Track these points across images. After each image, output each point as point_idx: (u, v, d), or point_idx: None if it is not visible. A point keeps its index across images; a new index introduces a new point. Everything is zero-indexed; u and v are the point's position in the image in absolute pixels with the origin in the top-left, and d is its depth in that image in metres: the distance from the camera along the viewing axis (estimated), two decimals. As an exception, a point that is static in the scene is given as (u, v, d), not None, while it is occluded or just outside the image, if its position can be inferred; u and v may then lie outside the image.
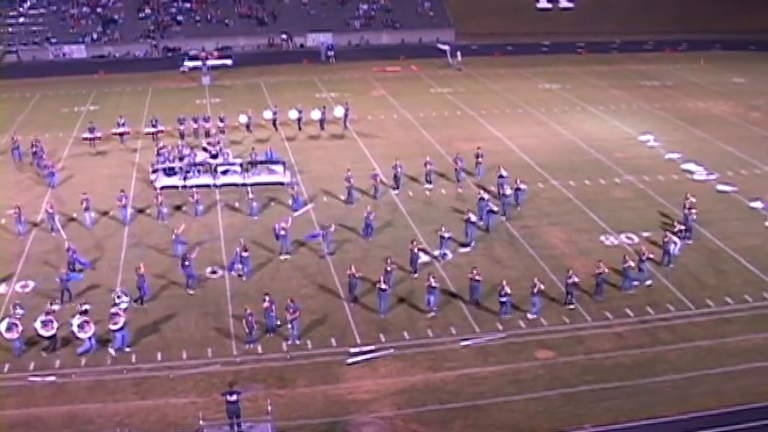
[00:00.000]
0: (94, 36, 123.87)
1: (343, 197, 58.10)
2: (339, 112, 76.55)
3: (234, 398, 33.50)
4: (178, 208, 56.77)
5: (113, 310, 40.91)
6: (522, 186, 56.16)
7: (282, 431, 33.88)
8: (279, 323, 41.25)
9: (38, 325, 39.94)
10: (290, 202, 56.55)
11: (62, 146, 71.52)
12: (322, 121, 75.43)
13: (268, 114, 76.19)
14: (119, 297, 43.83)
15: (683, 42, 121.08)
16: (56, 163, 65.91)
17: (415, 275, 47.22)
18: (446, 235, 49.58)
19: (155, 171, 62.74)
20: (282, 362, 39.24)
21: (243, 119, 74.41)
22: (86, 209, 54.48)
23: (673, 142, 70.86)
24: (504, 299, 42.61)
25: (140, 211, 56.42)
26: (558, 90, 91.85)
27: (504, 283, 42.90)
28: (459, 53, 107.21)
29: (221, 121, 73.33)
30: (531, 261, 48.27)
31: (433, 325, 41.99)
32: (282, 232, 49.67)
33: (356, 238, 52.03)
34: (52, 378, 38.26)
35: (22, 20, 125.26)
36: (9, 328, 39.69)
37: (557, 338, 40.66)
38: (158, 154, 64.41)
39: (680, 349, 39.83)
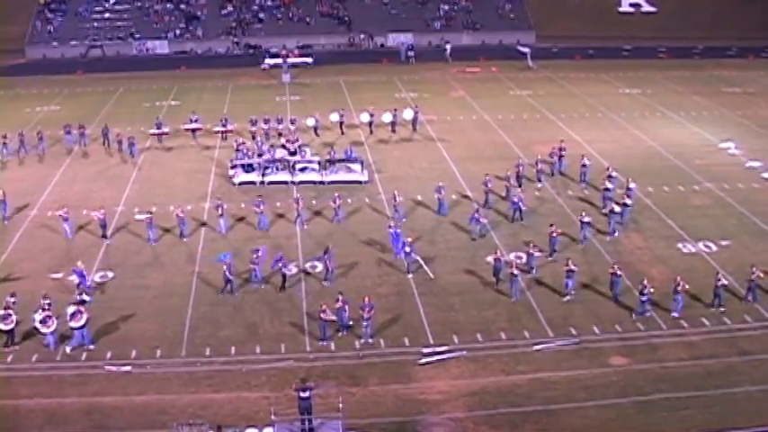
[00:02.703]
0: (177, 32, 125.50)
1: (420, 197, 58.28)
2: (409, 114, 76.11)
3: (306, 394, 33.69)
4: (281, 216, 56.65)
5: (74, 308, 40.97)
6: (628, 202, 55.47)
7: (353, 429, 34.06)
8: (351, 323, 41.52)
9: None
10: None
11: (143, 140, 72.60)
12: (393, 124, 75.05)
13: (335, 117, 75.61)
14: (85, 294, 44.31)
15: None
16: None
17: (550, 258, 48.97)
18: (586, 219, 51.32)
19: (233, 167, 63.43)
20: (355, 360, 39.48)
21: (311, 122, 74.25)
22: (65, 219, 53.54)
23: (754, 150, 69.76)
24: (644, 298, 42.67)
25: (240, 219, 56.11)
26: (638, 95, 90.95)
27: (646, 281, 43.10)
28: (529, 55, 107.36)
29: (292, 123, 73.22)
30: (604, 267, 47.82)
31: (506, 328, 41.94)
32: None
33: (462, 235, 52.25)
34: (128, 368, 38.94)
35: (107, 15, 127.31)
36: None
37: (631, 345, 40.33)
38: (237, 150, 65.13)
39: (756, 360, 39.18)
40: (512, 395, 36.57)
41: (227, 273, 45.53)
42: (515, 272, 44.95)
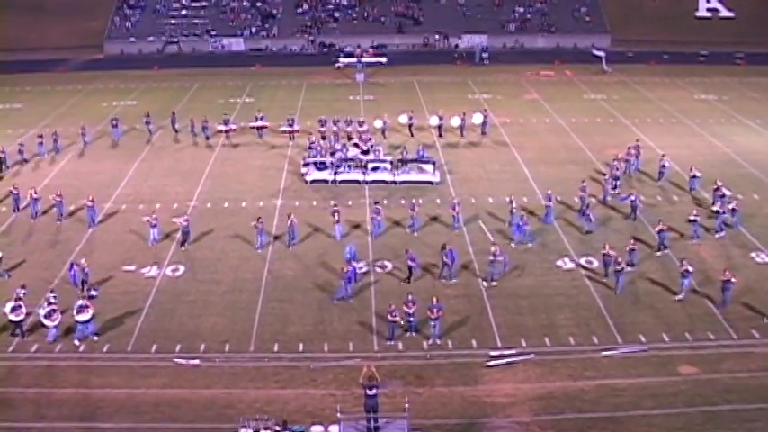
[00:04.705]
0: (253, 30, 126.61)
1: (491, 199, 58.23)
2: (478, 119, 75.41)
3: (373, 392, 33.78)
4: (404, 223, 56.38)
5: (82, 302, 41.41)
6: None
7: (418, 429, 34.12)
8: (416, 328, 41.62)
9: (6, 309, 41.23)
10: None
11: (217, 136, 73.63)
12: (461, 128, 74.53)
13: (404, 119, 75.29)
14: (94, 289, 44.70)
15: None
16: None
17: (658, 254, 49.56)
18: (692, 218, 51.92)
19: (306, 165, 63.78)
20: (422, 360, 39.52)
21: (378, 123, 74.11)
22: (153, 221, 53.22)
23: (833, 160, 68.68)
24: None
25: (356, 226, 55.53)
26: (713, 101, 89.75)
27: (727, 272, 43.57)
28: (604, 59, 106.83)
29: (360, 125, 72.92)
30: (675, 274, 47.34)
31: (575, 332, 41.77)
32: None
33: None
34: (196, 361, 39.41)
35: (184, 12, 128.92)
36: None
37: (700, 354, 39.86)
38: (310, 148, 65.50)
39: (829, 374, 38.67)
40: (578, 401, 36.38)
41: (351, 271, 45.96)
42: (623, 267, 45.18)
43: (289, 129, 73.33)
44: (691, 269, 44.39)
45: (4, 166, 65.69)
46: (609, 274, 46.74)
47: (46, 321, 40.85)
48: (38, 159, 68.36)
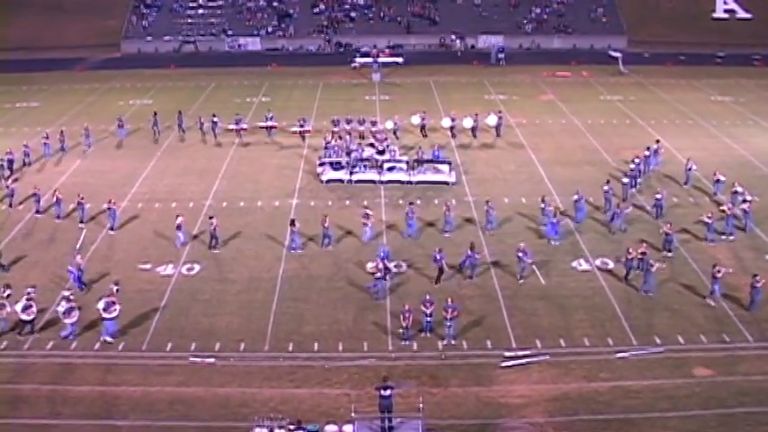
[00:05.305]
0: (269, 29, 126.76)
1: (507, 200, 58.23)
2: (492, 120, 74.94)
3: (387, 393, 33.77)
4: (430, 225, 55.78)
5: (110, 299, 41.52)
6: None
7: (432, 429, 34.14)
8: (432, 328, 41.65)
9: (18, 308, 41.39)
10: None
11: (228, 135, 73.79)
12: (474, 129, 74.11)
13: (416, 120, 75.14)
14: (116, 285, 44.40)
15: None
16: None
17: (670, 254, 49.73)
18: (706, 220, 51.91)
19: (321, 164, 63.89)
20: (437, 361, 39.55)
21: (389, 124, 73.76)
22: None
23: None
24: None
25: (390, 226, 55.46)
26: (730, 103, 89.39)
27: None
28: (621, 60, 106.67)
29: (373, 124, 73.11)
30: (694, 276, 47.36)
31: (590, 334, 41.72)
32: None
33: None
34: (211, 360, 39.54)
35: (200, 12, 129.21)
36: (106, 308, 41.09)
37: (715, 357, 39.76)
38: (326, 148, 65.60)
39: None
40: (593, 402, 36.35)
41: (381, 269, 46.03)
42: (652, 264, 45.28)
43: (300, 129, 73.19)
44: (719, 275, 44.04)
45: (24, 165, 66.00)
46: (629, 278, 46.68)
47: (65, 319, 41.05)
48: (43, 161, 68.48)
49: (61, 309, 41.20)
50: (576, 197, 55.24)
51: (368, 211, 53.13)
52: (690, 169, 61.28)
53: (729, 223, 52.64)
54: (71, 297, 42.18)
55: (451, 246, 50.01)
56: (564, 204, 56.84)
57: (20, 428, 35.01)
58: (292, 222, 51.27)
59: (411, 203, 54.70)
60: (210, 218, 52.26)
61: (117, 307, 41.20)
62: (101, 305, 40.96)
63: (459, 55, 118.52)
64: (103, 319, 40.97)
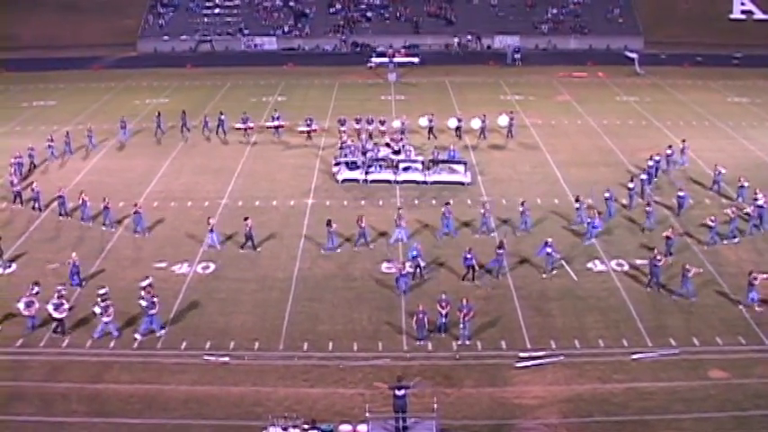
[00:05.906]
0: (285, 29, 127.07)
1: (522, 200, 58.01)
2: (504, 121, 74.49)
3: (402, 393, 33.75)
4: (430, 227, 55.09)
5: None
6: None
7: (446, 430, 34.14)
8: (446, 329, 41.65)
9: (50, 308, 41.34)
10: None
11: (239, 134, 73.98)
12: (482, 130, 73.72)
13: (423, 122, 74.61)
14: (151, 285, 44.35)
15: None
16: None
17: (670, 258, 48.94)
18: (710, 224, 51.58)
19: (337, 164, 63.93)
20: (451, 361, 39.51)
21: (396, 124, 73.57)
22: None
23: None
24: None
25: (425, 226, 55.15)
26: (747, 104, 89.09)
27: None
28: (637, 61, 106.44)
29: (382, 124, 73.03)
30: (709, 277, 47.22)
31: (604, 335, 41.59)
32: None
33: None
34: (226, 359, 39.57)
35: (217, 11, 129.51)
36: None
37: (731, 359, 39.61)
38: (341, 147, 65.60)
39: None
40: (607, 404, 36.25)
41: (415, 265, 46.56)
42: (689, 269, 44.96)
43: (307, 128, 73.12)
44: (755, 282, 43.76)
45: (31, 167, 66.13)
46: (651, 284, 46.44)
47: (104, 318, 41.21)
48: (48, 162, 68.23)
49: (98, 309, 41.32)
50: (606, 195, 55.43)
51: (400, 212, 52.96)
52: (719, 174, 60.45)
53: (733, 226, 52.46)
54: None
55: (474, 246, 49.72)
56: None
57: (18, 427, 35.12)
58: (329, 223, 51.05)
59: (447, 203, 54.31)
60: (245, 219, 51.76)
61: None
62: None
63: (459, 55, 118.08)
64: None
